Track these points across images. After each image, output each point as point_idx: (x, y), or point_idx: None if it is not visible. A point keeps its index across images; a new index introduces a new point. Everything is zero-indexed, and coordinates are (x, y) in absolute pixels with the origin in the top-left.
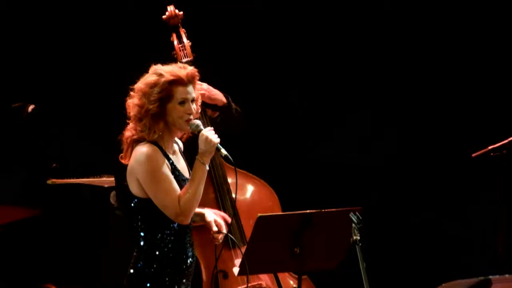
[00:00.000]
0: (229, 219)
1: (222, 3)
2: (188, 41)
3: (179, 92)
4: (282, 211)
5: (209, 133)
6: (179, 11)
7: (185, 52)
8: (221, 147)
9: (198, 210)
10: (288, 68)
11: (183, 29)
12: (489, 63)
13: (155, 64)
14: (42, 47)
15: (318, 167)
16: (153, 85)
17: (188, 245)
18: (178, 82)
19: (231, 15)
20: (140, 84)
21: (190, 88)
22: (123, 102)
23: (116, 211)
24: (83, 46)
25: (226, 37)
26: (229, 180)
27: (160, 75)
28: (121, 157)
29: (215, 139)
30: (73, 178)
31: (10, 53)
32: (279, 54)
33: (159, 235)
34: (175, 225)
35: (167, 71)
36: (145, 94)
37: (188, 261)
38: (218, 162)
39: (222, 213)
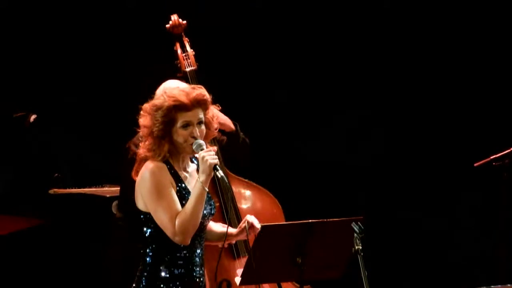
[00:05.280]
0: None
1: (207, 4)
2: (192, 50)
3: (181, 116)
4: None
5: (206, 153)
6: (183, 20)
7: (189, 61)
8: (218, 168)
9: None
10: (275, 68)
11: (186, 38)
12: (482, 63)
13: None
14: (45, 56)
15: (306, 167)
16: (157, 108)
17: (197, 267)
18: (180, 107)
19: (218, 15)
20: (147, 105)
21: (194, 112)
22: (126, 111)
23: (119, 222)
24: (85, 55)
25: (212, 37)
26: (233, 188)
27: (164, 99)
28: (133, 174)
29: (211, 159)
30: (75, 188)
31: (11, 61)
32: (266, 54)
33: (166, 251)
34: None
35: (171, 95)
36: (150, 116)
37: (195, 281)
38: (223, 171)
39: None
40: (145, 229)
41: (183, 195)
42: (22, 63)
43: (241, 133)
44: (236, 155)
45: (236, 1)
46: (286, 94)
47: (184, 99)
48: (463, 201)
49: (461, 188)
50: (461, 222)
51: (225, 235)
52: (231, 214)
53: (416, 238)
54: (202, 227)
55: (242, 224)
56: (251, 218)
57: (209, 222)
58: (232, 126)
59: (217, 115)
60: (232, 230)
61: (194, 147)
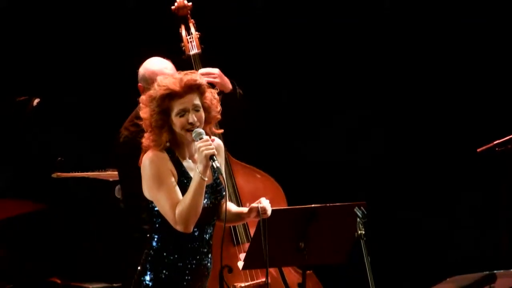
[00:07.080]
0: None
1: (211, 3)
2: (197, 32)
3: (176, 104)
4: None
5: (203, 143)
6: (188, 1)
7: (193, 44)
8: (215, 158)
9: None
10: (277, 68)
11: (192, 20)
12: (479, 58)
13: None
14: (48, 41)
15: (306, 167)
16: (152, 99)
17: (204, 254)
18: (172, 95)
19: (220, 15)
20: (143, 96)
21: (188, 98)
22: (126, 111)
23: (121, 205)
24: (85, 55)
25: (215, 37)
26: (236, 173)
27: (156, 89)
28: (139, 163)
29: (207, 150)
30: (78, 172)
31: (12, 60)
32: (266, 54)
33: (173, 238)
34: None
35: (162, 84)
36: (147, 107)
37: (200, 268)
38: (224, 157)
39: None
40: (151, 216)
41: (184, 183)
42: (22, 62)
43: (237, 88)
44: (233, 110)
45: (235, 1)
46: (286, 94)
47: (174, 86)
48: (463, 201)
49: (461, 188)
50: (461, 222)
51: (225, 218)
52: (233, 199)
53: (416, 238)
54: (211, 213)
55: (254, 205)
56: (265, 203)
57: (220, 207)
58: (230, 86)
59: (217, 98)
60: (244, 209)
61: (193, 135)
